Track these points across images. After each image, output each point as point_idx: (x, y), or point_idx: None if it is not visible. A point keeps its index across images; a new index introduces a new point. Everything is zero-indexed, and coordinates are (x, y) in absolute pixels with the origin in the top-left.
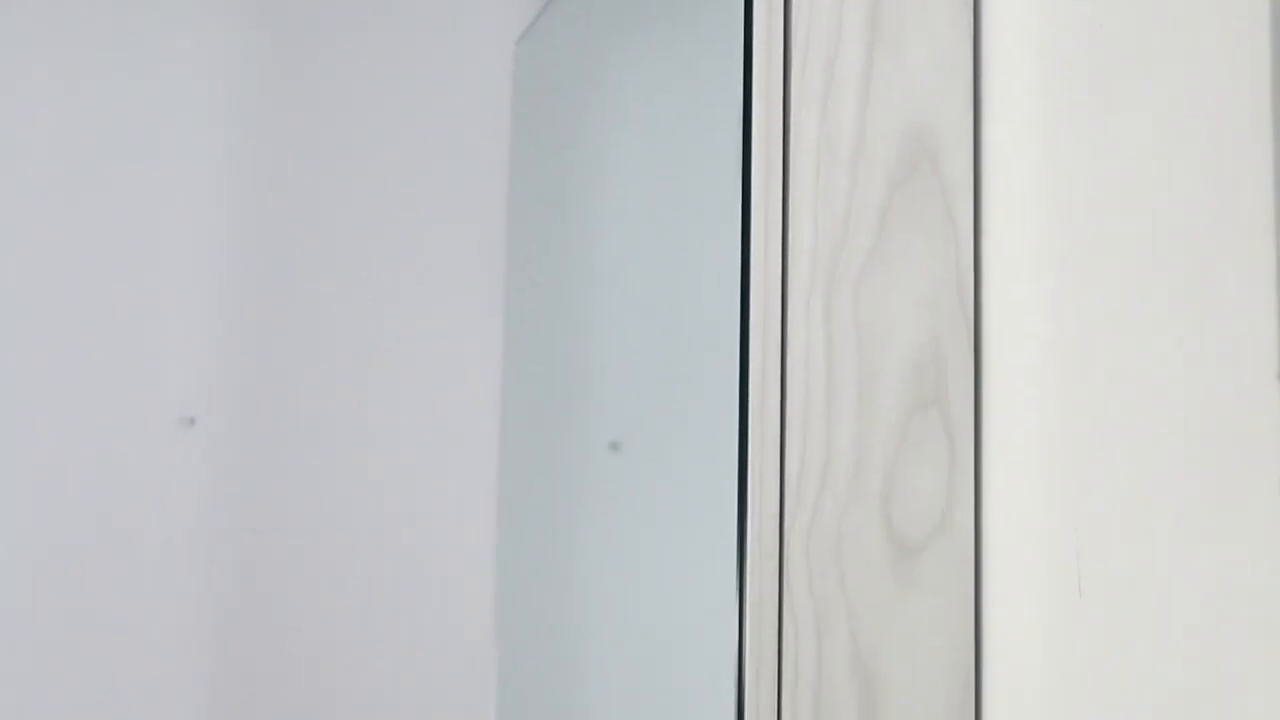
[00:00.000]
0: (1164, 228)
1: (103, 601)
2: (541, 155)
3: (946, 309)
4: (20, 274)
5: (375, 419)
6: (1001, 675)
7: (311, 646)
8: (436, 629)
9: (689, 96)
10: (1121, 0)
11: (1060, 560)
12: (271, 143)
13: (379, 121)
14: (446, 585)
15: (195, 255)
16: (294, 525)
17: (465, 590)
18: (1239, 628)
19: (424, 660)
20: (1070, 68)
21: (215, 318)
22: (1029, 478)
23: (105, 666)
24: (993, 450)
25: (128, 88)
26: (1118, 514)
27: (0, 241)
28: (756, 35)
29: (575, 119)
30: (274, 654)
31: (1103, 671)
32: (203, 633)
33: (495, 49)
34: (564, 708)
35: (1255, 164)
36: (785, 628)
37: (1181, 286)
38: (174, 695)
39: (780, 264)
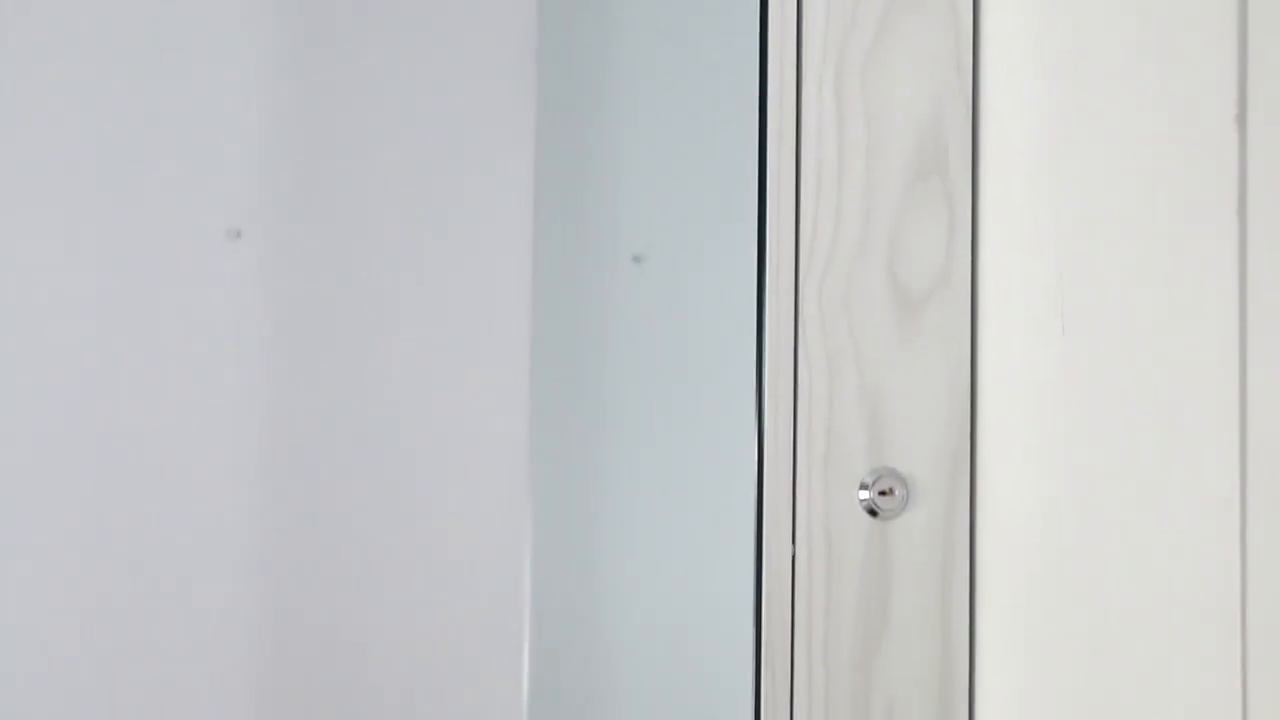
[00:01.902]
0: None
1: (149, 409)
2: None
3: (946, 87)
4: (61, 89)
5: (411, 242)
6: (995, 408)
7: (340, 500)
8: (469, 449)
9: None
10: None
11: (1047, 305)
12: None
13: None
14: (479, 384)
15: (241, 74)
16: (332, 335)
17: (499, 403)
18: (1198, 337)
19: (456, 490)
20: None
21: (262, 128)
22: (1019, 234)
23: (145, 478)
24: (988, 212)
25: None
26: (1095, 254)
27: (49, 60)
28: None
29: None
30: (310, 474)
31: (1081, 392)
32: (246, 435)
33: None
34: (596, 507)
35: None
36: (800, 371)
37: (1154, 46)
38: (208, 501)
39: (795, 50)
